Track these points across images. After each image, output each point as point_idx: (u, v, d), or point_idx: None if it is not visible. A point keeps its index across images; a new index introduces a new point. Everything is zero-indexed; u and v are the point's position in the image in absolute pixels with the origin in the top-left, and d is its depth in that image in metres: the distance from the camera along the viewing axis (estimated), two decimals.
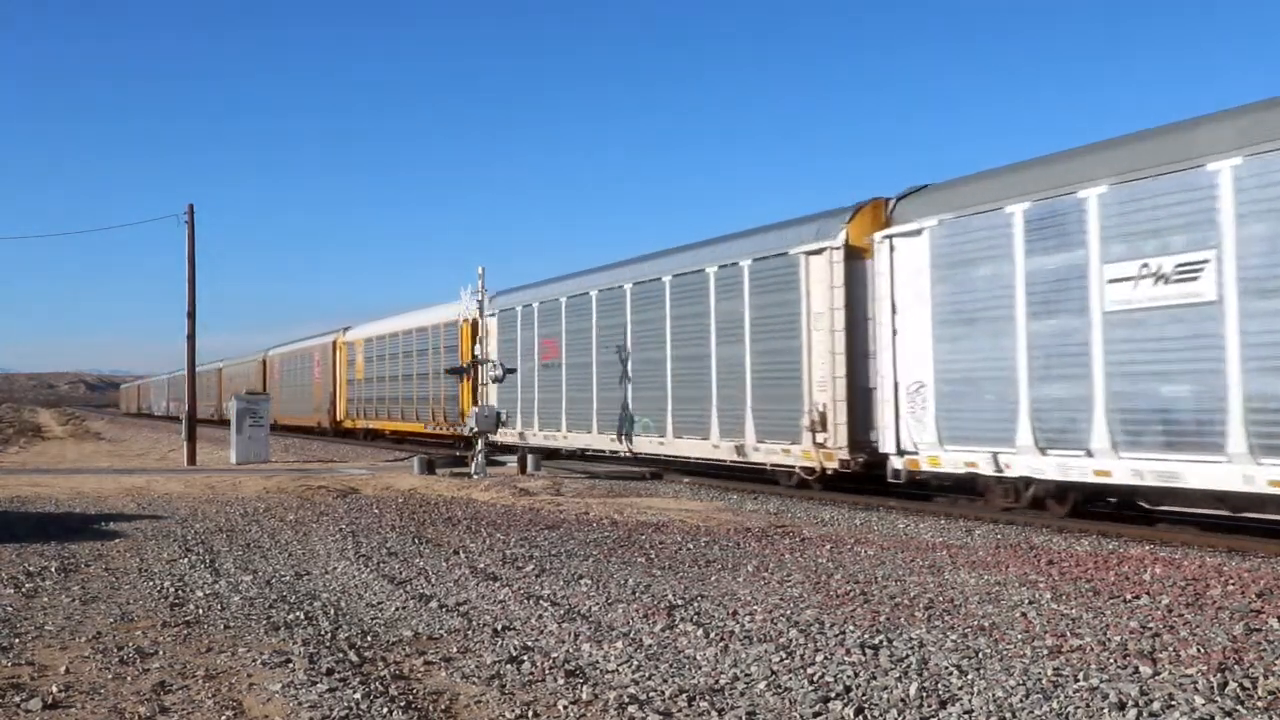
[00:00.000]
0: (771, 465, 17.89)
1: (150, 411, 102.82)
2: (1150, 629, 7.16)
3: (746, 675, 6.15)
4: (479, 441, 22.39)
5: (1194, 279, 11.33)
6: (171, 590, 9.10)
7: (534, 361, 25.83)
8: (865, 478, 16.62)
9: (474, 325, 28.08)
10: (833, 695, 5.71)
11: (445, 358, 31.73)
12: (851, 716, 5.39)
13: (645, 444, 21.46)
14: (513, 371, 25.32)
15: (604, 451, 23.24)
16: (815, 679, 6.04)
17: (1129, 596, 8.31)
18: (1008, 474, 13.62)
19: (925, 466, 14.78)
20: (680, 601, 8.30)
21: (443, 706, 5.68)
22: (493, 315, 27.40)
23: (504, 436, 26.65)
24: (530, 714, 5.51)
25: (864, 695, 5.73)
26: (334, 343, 44.77)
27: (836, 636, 7.05)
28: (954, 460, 14.31)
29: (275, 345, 58.25)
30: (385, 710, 5.54)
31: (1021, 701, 5.55)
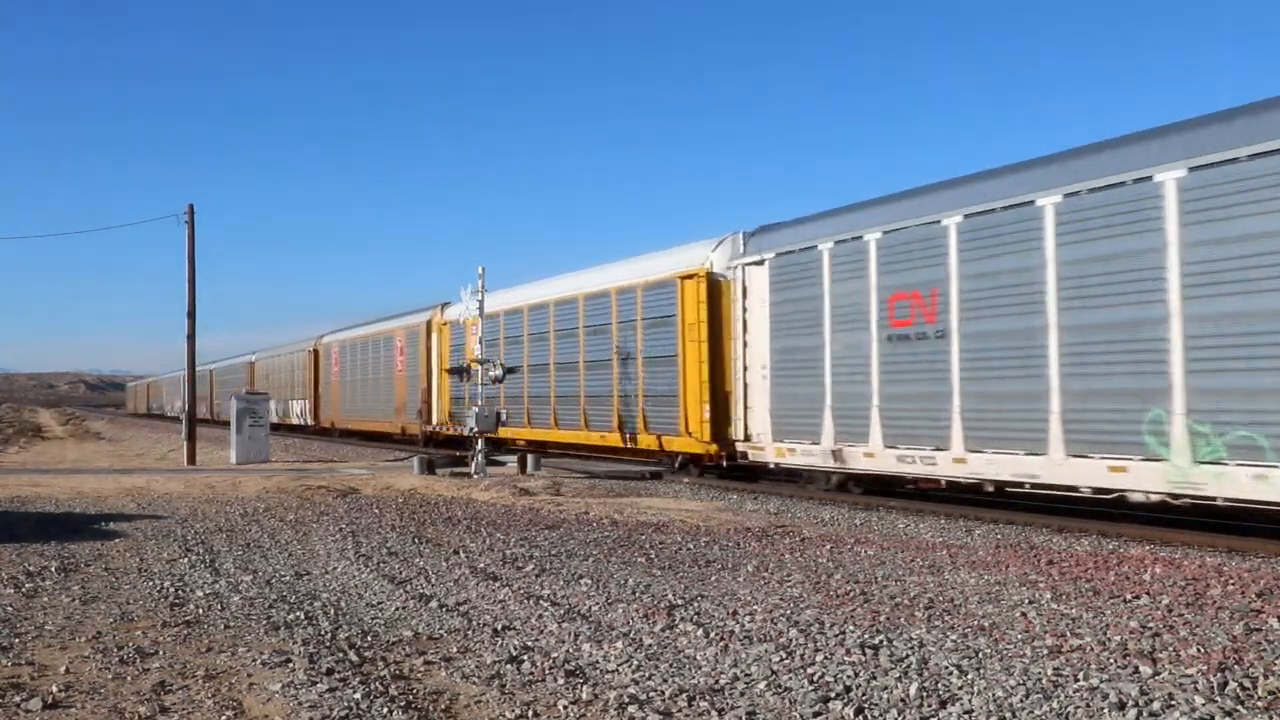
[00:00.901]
0: None
1: (161, 412, 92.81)
2: (1150, 629, 7.16)
3: (746, 675, 6.15)
4: (479, 441, 22.36)
5: None
6: (171, 590, 9.10)
7: (867, 332, 15.56)
8: None
9: (710, 284, 19.63)
10: (833, 695, 5.71)
11: (646, 335, 21.48)
12: (851, 716, 5.39)
13: (1245, 481, 10.75)
14: (513, 371, 24.22)
15: (1078, 489, 12.63)
16: (815, 679, 6.04)
17: (1129, 596, 8.31)
18: None
19: None
20: (680, 601, 8.30)
21: (443, 706, 5.68)
22: (755, 263, 18.00)
23: (797, 458, 16.92)
24: (530, 714, 5.51)
25: (864, 695, 5.73)
26: (428, 323, 33.37)
27: (836, 636, 7.05)
28: None
29: (333, 330, 46.37)
30: (385, 710, 5.54)
31: (1021, 701, 5.55)
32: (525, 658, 6.59)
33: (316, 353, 46.95)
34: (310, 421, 47.64)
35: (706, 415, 19.45)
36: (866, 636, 7.01)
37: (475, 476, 21.53)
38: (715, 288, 19.71)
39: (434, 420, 32.46)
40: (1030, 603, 8.13)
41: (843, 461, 16.14)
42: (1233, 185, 11.09)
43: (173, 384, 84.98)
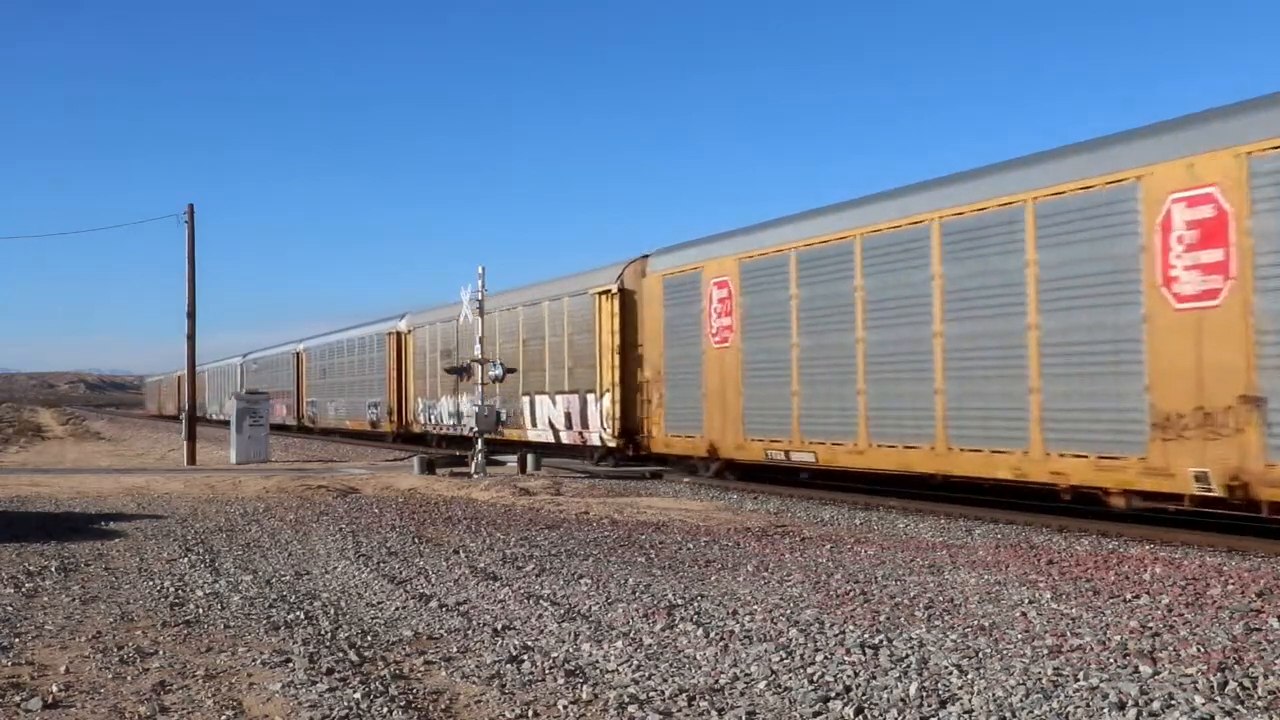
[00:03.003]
0: None
1: (203, 414, 59.04)
2: (1150, 629, 7.16)
3: (746, 675, 6.15)
4: (478, 441, 22.30)
5: None
6: (171, 590, 9.10)
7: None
8: None
9: None
10: (833, 695, 5.71)
11: None
12: (851, 716, 5.39)
13: None
14: (513, 371, 24.20)
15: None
16: (815, 679, 6.04)
17: (1129, 596, 8.31)
18: None
19: None
20: (680, 601, 8.30)
21: (443, 706, 5.68)
22: None
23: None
24: (530, 714, 5.51)
25: (864, 695, 5.73)
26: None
27: (836, 636, 7.05)
28: None
29: (673, 246, 21.24)
30: (385, 710, 5.54)
31: (1021, 701, 5.54)
32: (525, 657, 6.59)
33: (622, 296, 22.49)
34: (619, 438, 22.55)
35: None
36: (866, 636, 7.01)
37: (475, 476, 21.49)
38: None
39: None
40: (1030, 603, 8.13)
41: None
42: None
43: (221, 376, 62.26)
